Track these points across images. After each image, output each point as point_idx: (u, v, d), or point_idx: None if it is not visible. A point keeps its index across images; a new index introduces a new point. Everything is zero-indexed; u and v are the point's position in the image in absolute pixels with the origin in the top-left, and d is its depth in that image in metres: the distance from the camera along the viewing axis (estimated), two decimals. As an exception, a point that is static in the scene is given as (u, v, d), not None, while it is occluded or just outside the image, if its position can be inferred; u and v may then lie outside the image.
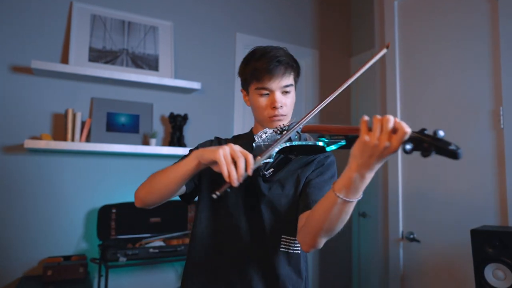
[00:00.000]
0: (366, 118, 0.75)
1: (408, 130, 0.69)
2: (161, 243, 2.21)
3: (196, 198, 1.20)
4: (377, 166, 0.77)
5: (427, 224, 2.04)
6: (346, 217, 0.87)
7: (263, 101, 1.12)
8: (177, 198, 1.16)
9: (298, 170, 1.12)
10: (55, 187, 2.22)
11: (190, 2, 2.73)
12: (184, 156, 1.06)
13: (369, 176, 0.79)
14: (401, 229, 2.18)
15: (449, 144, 0.64)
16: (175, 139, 2.48)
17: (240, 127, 2.80)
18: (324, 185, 1.08)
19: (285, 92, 1.12)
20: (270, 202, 1.09)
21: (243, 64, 1.17)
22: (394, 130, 0.71)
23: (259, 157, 0.87)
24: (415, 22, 2.21)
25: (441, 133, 0.65)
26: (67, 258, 2.13)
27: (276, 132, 1.03)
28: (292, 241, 1.09)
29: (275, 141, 0.92)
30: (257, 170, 1.07)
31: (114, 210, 2.25)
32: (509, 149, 1.72)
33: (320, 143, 0.95)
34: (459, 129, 1.93)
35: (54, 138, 2.22)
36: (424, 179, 2.07)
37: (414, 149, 0.68)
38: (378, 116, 0.73)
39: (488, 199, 1.79)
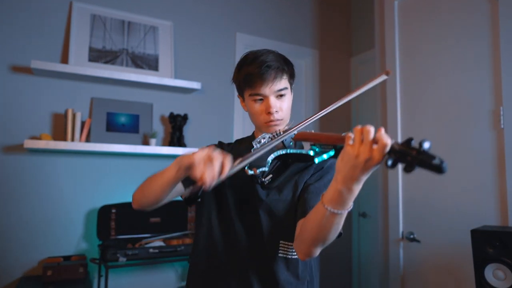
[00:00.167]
0: (351, 134, 0.74)
1: (389, 141, 0.67)
2: (161, 243, 2.21)
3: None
4: (364, 178, 0.74)
5: (427, 224, 2.04)
6: (338, 227, 0.86)
7: (258, 106, 1.11)
8: (177, 198, 1.16)
9: (296, 175, 1.11)
10: (55, 187, 2.22)
11: (190, 2, 2.73)
12: None
13: (357, 188, 0.76)
14: (401, 229, 2.18)
15: (432, 157, 0.60)
16: (175, 139, 2.48)
17: (240, 127, 2.80)
18: (323, 190, 1.06)
19: (280, 96, 1.10)
20: (267, 207, 1.08)
21: (236, 70, 1.15)
22: (376, 141, 0.69)
23: (237, 162, 0.86)
24: (415, 22, 2.21)
25: (426, 145, 0.62)
26: (67, 258, 2.13)
27: (273, 137, 1.02)
28: (291, 247, 1.08)
29: (257, 150, 0.91)
30: (255, 178, 1.07)
31: (114, 210, 2.25)
32: (509, 149, 1.72)
33: (311, 152, 0.93)
34: (459, 129, 1.93)
35: (54, 138, 2.22)
36: (424, 179, 2.07)
37: (395, 162, 0.65)
38: (359, 126, 0.71)
39: (488, 199, 1.79)
